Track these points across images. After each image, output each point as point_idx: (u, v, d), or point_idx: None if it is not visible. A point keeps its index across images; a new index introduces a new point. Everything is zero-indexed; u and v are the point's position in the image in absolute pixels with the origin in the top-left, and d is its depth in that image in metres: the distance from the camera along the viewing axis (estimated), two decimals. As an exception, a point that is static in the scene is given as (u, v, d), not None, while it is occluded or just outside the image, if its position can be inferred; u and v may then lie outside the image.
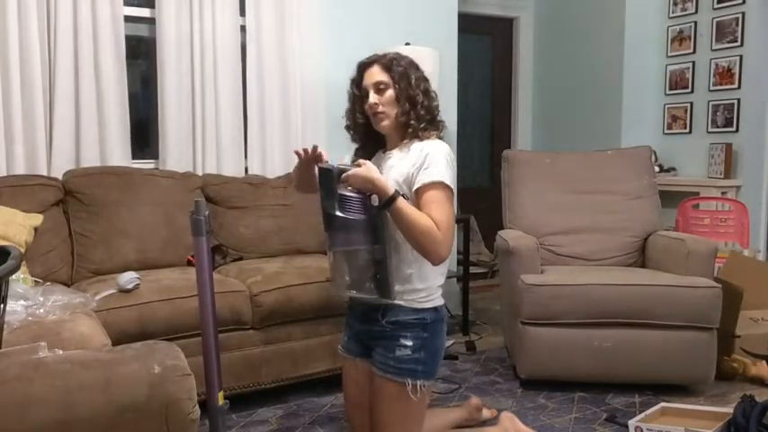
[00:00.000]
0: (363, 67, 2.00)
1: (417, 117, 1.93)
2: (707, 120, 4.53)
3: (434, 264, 1.84)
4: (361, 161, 1.86)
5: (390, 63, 1.95)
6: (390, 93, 1.94)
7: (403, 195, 1.82)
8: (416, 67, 1.99)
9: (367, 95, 1.96)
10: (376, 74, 1.95)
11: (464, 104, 4.33)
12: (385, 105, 1.94)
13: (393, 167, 1.94)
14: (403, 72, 1.94)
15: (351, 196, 1.80)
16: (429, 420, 2.07)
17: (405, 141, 1.97)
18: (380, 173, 1.92)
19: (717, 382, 2.84)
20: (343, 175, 1.81)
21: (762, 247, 4.22)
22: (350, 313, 2.10)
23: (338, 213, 1.80)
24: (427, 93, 1.97)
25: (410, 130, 1.94)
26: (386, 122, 1.96)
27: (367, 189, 1.80)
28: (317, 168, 1.92)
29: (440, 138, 1.99)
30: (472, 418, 2.37)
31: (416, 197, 1.86)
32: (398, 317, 1.91)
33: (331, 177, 1.80)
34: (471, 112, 5.33)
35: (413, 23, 3.85)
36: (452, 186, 1.87)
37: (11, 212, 2.50)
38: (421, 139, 1.94)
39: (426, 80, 1.99)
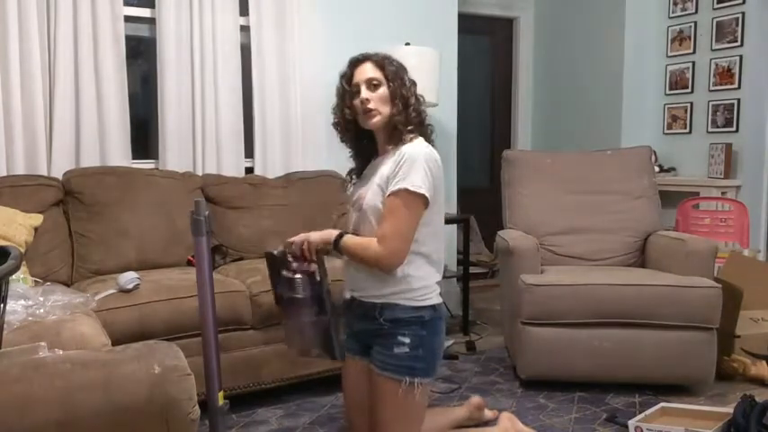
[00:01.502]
0: (355, 63, 2.00)
1: (407, 119, 1.94)
2: (707, 120, 4.53)
3: (387, 273, 1.90)
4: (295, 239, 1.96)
5: (383, 61, 1.96)
6: (383, 90, 1.94)
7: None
8: (406, 70, 2.01)
9: (357, 92, 1.96)
10: (369, 70, 1.96)
11: (464, 104, 4.33)
12: (376, 102, 1.93)
13: (375, 173, 1.96)
14: (396, 72, 1.96)
15: (294, 278, 1.96)
16: (430, 419, 2.07)
17: (391, 146, 1.96)
18: (364, 179, 2.01)
19: (717, 382, 2.84)
20: (285, 242, 1.99)
21: (762, 247, 4.22)
22: (348, 313, 2.10)
23: (285, 294, 1.99)
24: (417, 96, 1.99)
25: (398, 129, 1.94)
26: (377, 119, 1.95)
27: (313, 245, 1.93)
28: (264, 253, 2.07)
29: (428, 141, 2.00)
30: (473, 418, 2.36)
31: (385, 202, 1.89)
32: (396, 315, 1.92)
33: (275, 261, 2.00)
34: (471, 112, 5.33)
35: (413, 23, 3.85)
36: (425, 189, 1.85)
37: (11, 212, 2.50)
38: (404, 141, 1.94)
39: (416, 84, 2.01)
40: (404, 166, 1.86)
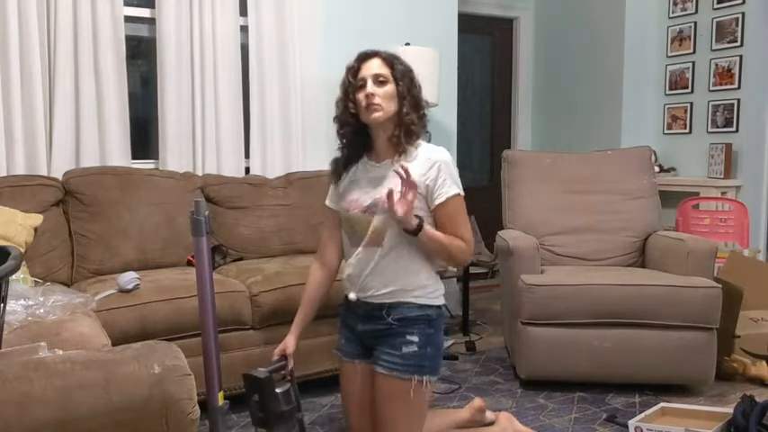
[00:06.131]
0: (364, 57, 1.98)
1: (419, 119, 1.96)
2: (707, 120, 4.53)
3: (462, 265, 2.10)
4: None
5: (392, 59, 1.97)
6: (390, 87, 1.93)
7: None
8: (414, 73, 2.01)
9: (363, 86, 1.93)
10: (376, 66, 1.94)
11: (464, 104, 4.34)
12: (382, 98, 1.91)
13: (388, 178, 1.93)
14: (405, 71, 1.96)
15: (288, 389, 1.92)
16: (431, 420, 2.07)
17: (400, 147, 1.94)
18: (366, 182, 1.97)
19: (717, 382, 2.84)
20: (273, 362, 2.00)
21: (762, 247, 4.22)
22: (349, 315, 2.09)
23: (277, 410, 1.89)
24: (424, 99, 2.03)
25: (411, 130, 1.93)
26: (378, 114, 1.91)
27: (396, 220, 1.85)
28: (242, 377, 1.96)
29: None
30: (475, 420, 2.36)
31: (438, 209, 1.93)
32: (404, 313, 1.94)
33: (257, 384, 1.89)
34: (471, 112, 5.33)
35: (413, 23, 3.85)
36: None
37: (11, 212, 2.50)
38: (413, 144, 1.96)
39: (421, 88, 2.02)
40: (444, 172, 1.92)
